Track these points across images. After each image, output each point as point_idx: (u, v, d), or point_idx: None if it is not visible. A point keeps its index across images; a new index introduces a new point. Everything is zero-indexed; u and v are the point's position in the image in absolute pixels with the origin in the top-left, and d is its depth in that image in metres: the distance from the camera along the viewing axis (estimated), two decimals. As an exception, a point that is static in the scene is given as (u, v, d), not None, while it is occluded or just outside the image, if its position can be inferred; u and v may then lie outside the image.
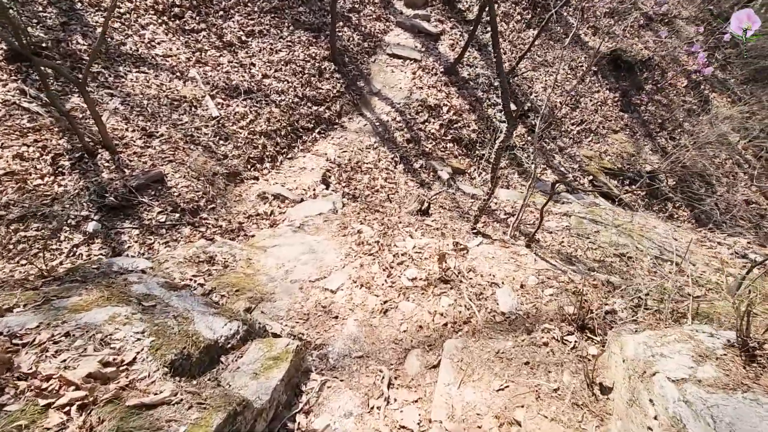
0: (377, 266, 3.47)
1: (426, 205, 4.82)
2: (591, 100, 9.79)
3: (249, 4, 8.23)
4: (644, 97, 10.40)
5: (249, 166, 6.42)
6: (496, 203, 6.77)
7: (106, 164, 5.23)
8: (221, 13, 7.93)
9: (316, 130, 7.48)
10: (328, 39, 8.16)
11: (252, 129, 6.76)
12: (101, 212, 4.77)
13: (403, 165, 7.35)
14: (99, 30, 6.80)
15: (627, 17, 11.33)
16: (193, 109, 6.56)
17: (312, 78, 7.86)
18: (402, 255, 3.63)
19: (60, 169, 4.98)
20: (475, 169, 7.96)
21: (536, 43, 10.08)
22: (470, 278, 3.19)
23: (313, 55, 8.12)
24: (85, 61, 6.38)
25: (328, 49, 8.23)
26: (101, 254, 4.36)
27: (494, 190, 4.25)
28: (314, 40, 8.33)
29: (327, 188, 6.41)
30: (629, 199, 8.40)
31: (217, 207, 5.47)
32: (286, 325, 2.94)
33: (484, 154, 8.23)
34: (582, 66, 10.12)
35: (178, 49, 7.21)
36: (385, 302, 3.05)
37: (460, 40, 9.51)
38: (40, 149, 5.08)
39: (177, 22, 7.50)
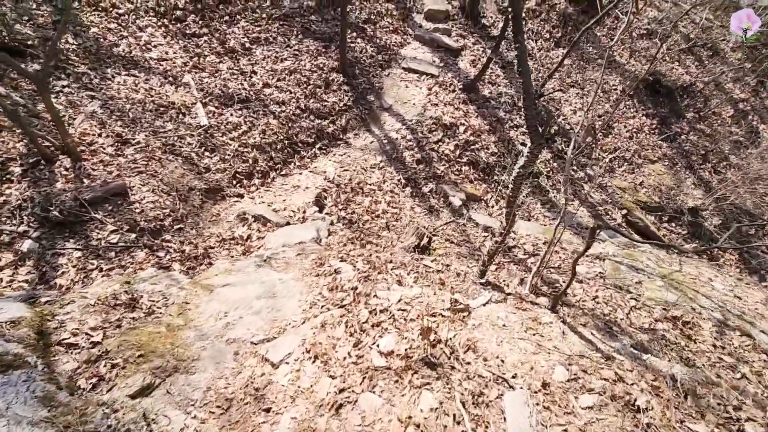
0: (344, 328, 2.46)
1: (426, 239, 3.80)
2: (625, 126, 8.60)
3: (257, 11, 7.53)
4: (685, 125, 9.14)
5: (234, 182, 5.55)
6: (514, 238, 5.65)
7: (65, 172, 4.44)
8: (226, 18, 7.24)
9: (317, 146, 6.60)
10: (338, 49, 7.35)
11: (244, 141, 5.92)
12: (43, 228, 3.95)
13: (410, 188, 6.35)
14: (92, 30, 6.19)
15: (666, 39, 10.16)
16: (180, 116, 5.78)
17: (317, 89, 7.03)
18: (381, 312, 2.61)
19: (7, 176, 4.22)
20: (492, 197, 6.87)
21: (566, 63, 9.03)
22: (467, 363, 2.13)
23: (321, 65, 7.31)
24: (72, 61, 5.74)
25: (337, 60, 7.42)
26: (26, 280, 3.51)
27: (511, 227, 3.19)
28: (324, 50, 7.53)
29: (320, 211, 5.46)
30: (670, 239, 7.12)
31: (185, 227, 4.59)
32: (195, 417, 1.95)
33: (503, 180, 7.15)
34: (616, 89, 8.98)
35: (175, 53, 6.51)
36: (342, 391, 2.02)
37: (482, 57, 8.55)
38: (-9, 152, 4.35)
39: (178, 25, 6.84)
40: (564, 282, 3.94)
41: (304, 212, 5.23)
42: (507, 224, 3.15)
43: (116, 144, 4.97)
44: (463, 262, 4.15)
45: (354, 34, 8.00)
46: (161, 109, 5.71)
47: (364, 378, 2.08)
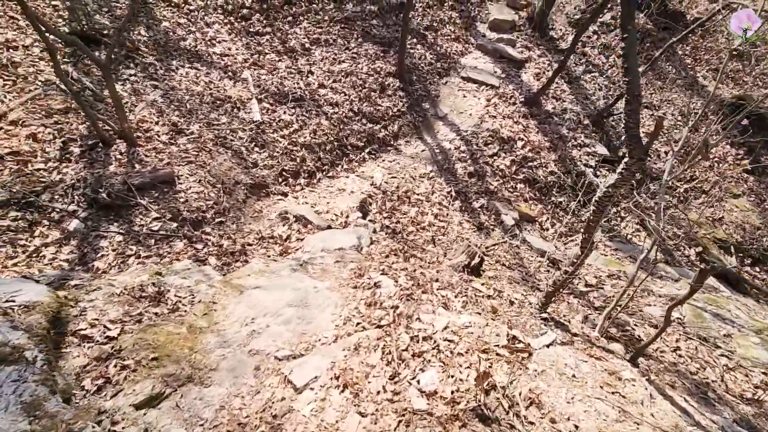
0: (380, 354, 2.10)
1: (477, 259, 3.37)
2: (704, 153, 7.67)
3: (320, 13, 7.47)
4: (778, 158, 8.02)
5: (280, 180, 5.38)
6: (564, 256, 5.04)
7: (119, 156, 4.45)
8: (289, 18, 7.22)
9: (367, 150, 6.34)
10: (397, 54, 7.10)
11: (294, 139, 5.77)
12: (91, 209, 3.93)
13: (460, 202, 5.92)
14: (164, 24, 6.34)
15: (760, 62, 9.07)
16: (235, 110, 5.74)
17: (372, 93, 6.80)
18: (424, 340, 2.23)
19: (67, 156, 4.26)
20: (548, 219, 6.28)
21: (641, 82, 8.25)
22: (530, 423, 1.68)
23: (378, 69, 7.09)
24: (142, 52, 5.88)
25: (395, 65, 7.17)
26: (67, 260, 3.46)
27: (586, 257, 2.71)
28: (382, 55, 7.32)
29: (364, 217, 5.16)
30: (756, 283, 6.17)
31: (226, 221, 4.45)
32: (201, 443, 1.65)
33: (561, 202, 6.53)
34: (697, 113, 8.07)
35: (237, 49, 6.54)
36: (372, 435, 1.67)
37: (547, 70, 7.99)
38: (56, 132, 4.42)
39: (243, 23, 6.89)
40: (635, 324, 3.35)
41: (347, 217, 4.95)
42: (582, 253, 2.67)
43: (171, 132, 4.96)
44: (515, 288, 3.66)
45: (414, 40, 7.74)
46: (217, 102, 5.69)
47: (400, 422, 1.70)
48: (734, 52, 8.98)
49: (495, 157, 6.49)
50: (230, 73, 6.16)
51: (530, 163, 6.59)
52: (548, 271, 4.35)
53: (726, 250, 6.79)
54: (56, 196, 3.91)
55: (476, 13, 8.68)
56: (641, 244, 6.40)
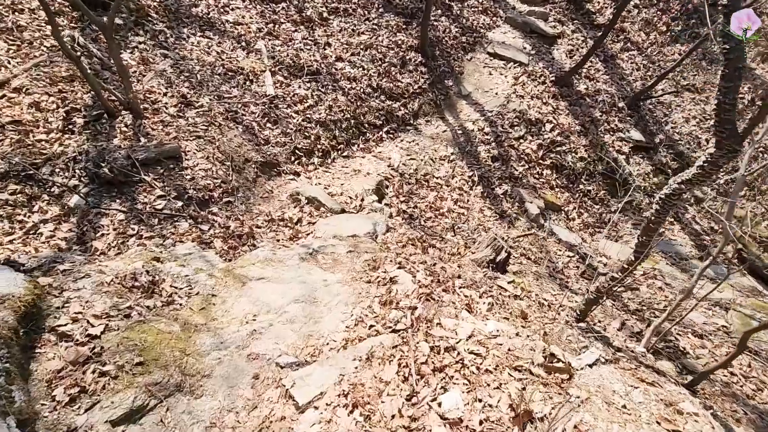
0: (396, 367, 1.81)
1: (504, 255, 3.01)
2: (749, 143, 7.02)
3: (340, -20, 6.94)
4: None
5: (293, 158, 5.05)
6: (605, 264, 4.66)
7: (124, 129, 4.16)
8: (307, -15, 6.73)
9: (384, 129, 5.94)
10: (420, 27, 6.58)
11: (308, 116, 5.41)
12: (93, 184, 3.69)
13: (481, 187, 5.51)
14: (175, -12, 5.93)
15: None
16: (247, 83, 5.37)
17: (392, 68, 6.34)
18: (446, 351, 1.92)
19: (70, 127, 3.99)
20: (575, 208, 5.84)
21: (684, 62, 7.55)
22: (579, 470, 1.39)
23: (399, 42, 6.59)
24: (152, 18, 5.52)
25: (417, 38, 6.66)
26: (65, 238, 3.24)
27: (641, 261, 2.33)
28: (404, 27, 6.80)
29: (379, 201, 4.83)
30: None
31: (235, 201, 4.16)
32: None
33: (590, 191, 6.07)
34: (743, 98, 7.37)
35: (251, 18, 6.12)
36: (385, 472, 1.38)
37: (581, 47, 7.35)
38: (59, 101, 4.15)
39: (258, -10, 6.44)
40: (678, 334, 2.98)
41: (362, 200, 4.62)
42: (636, 258, 2.29)
43: (179, 105, 4.65)
44: (543, 286, 3.31)
45: (439, 11, 7.17)
46: (229, 73, 5.33)
47: (419, 458, 1.42)
48: (789, 32, 8.13)
49: (521, 141, 6.03)
50: (243, 43, 5.77)
51: (558, 148, 6.10)
52: (578, 267, 3.98)
53: (765, 248, 6.26)
54: (57, 170, 3.66)
55: (507, -17, 8.00)
56: (674, 239, 5.93)
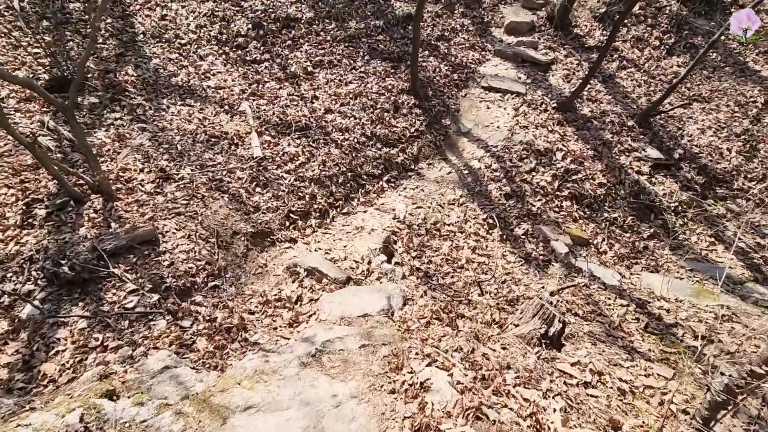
0: None
1: (559, 325, 2.32)
2: (775, 147, 6.45)
3: (321, 34, 6.70)
4: None
5: (287, 224, 4.47)
6: (650, 294, 3.92)
7: (93, 215, 3.61)
8: (289, 42, 6.47)
9: (385, 178, 5.40)
10: (409, 69, 6.24)
11: (301, 174, 4.89)
12: (52, 287, 3.08)
13: (499, 230, 4.88)
14: (154, 61, 5.66)
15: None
16: (232, 147, 4.91)
17: (385, 114, 5.91)
18: None
19: (30, 221, 3.45)
20: (603, 240, 5.16)
21: (683, 74, 7.15)
22: None
23: (390, 87, 6.22)
24: (129, 93, 5.17)
25: (407, 81, 6.30)
26: (8, 364, 2.57)
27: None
28: (392, 71, 6.47)
29: (389, 261, 4.18)
30: None
31: (223, 284, 3.52)
32: None
33: (616, 218, 5.42)
34: (756, 101, 6.88)
35: (233, 80, 5.79)
36: None
37: (577, 70, 6.99)
38: (20, 192, 3.64)
39: (239, 52, 6.16)
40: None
41: (369, 263, 3.98)
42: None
43: (157, 180, 4.13)
44: (607, 355, 2.58)
45: (426, 52, 6.88)
46: (212, 140, 4.88)
47: None
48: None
49: (533, 173, 5.46)
50: (227, 107, 5.38)
51: (574, 176, 5.52)
52: (637, 319, 3.25)
53: (824, 260, 5.48)
54: (9, 275, 3.06)
55: (490, 18, 7.81)
56: (721, 260, 5.20)
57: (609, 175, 5.65)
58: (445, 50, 7.06)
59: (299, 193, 4.70)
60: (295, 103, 5.72)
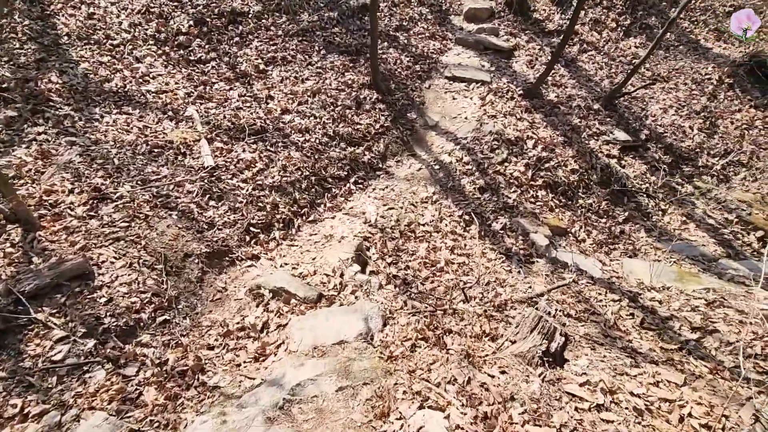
0: None
1: (561, 339, 2.06)
2: (732, 122, 6.56)
3: (272, 28, 6.20)
4: (806, 114, 6.97)
5: (248, 239, 4.01)
6: (639, 285, 3.79)
7: (9, 250, 3.04)
8: (237, 39, 5.93)
9: (352, 179, 5.03)
10: (369, 62, 5.87)
11: (260, 182, 4.43)
12: (-43, 344, 2.54)
13: (476, 225, 4.62)
14: (82, 66, 4.98)
15: (761, 13, 8.09)
16: (179, 157, 4.38)
17: (347, 111, 5.52)
18: None
19: (-73, 265, 2.85)
20: (581, 227, 5.02)
21: (641, 54, 7.16)
22: None
23: (350, 82, 5.82)
24: (54, 103, 4.51)
25: (368, 75, 5.93)
26: None
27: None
28: (351, 65, 6.07)
29: (363, 270, 3.82)
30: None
31: (175, 317, 3.05)
32: None
33: (591, 204, 5.30)
34: (711, 78, 6.99)
35: (177, 83, 5.21)
36: None
37: (539, 56, 6.84)
38: None
39: (181, 52, 5.57)
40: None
41: (342, 275, 3.61)
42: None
43: (91, 201, 3.57)
44: (611, 361, 2.35)
45: (385, 43, 6.52)
46: (156, 150, 4.33)
47: None
48: (729, 8, 7.99)
49: (506, 164, 5.24)
50: (170, 113, 4.82)
51: (547, 164, 5.35)
52: (632, 315, 3.06)
53: (787, 229, 5.59)
54: None
55: (448, 5, 7.53)
56: (693, 239, 5.19)
57: (581, 161, 5.52)
58: (405, 41, 6.73)
59: (259, 204, 4.25)
60: (248, 104, 5.22)
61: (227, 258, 3.74)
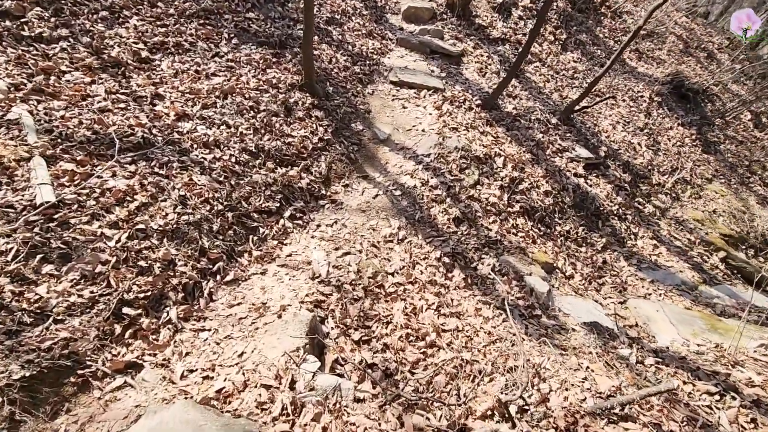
0: None
1: None
2: (669, 139, 6.58)
3: (160, 4, 4.48)
4: (719, 133, 7.39)
5: (117, 331, 2.33)
6: (644, 329, 3.04)
7: None
8: (104, 14, 4.10)
9: (286, 213, 3.58)
10: (300, 58, 4.50)
11: (140, 225, 2.75)
12: None
13: (459, 269, 3.53)
14: None
15: (665, 40, 8.60)
16: (-15, 190, 2.51)
17: (273, 118, 4.07)
18: None
19: None
20: (564, 260, 4.26)
21: (580, 69, 6.94)
22: None
23: (274, 81, 4.38)
24: None
25: (298, 73, 4.55)
26: None
27: None
28: (275, 60, 4.62)
29: (320, 363, 2.43)
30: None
31: None
32: None
33: (569, 231, 4.60)
34: (643, 96, 7.01)
35: (-7, 68, 3.24)
36: None
37: (489, 64, 6.15)
38: None
39: (7, 23, 3.58)
40: None
41: (291, 383, 2.17)
42: None
43: None
44: None
45: (316, 37, 5.20)
46: (-67, 178, 2.42)
47: None
48: (642, 31, 8.32)
49: (478, 187, 4.28)
50: (-25, 115, 2.88)
51: (520, 186, 4.53)
52: (754, 421, 2.17)
53: (735, 246, 5.56)
54: None
55: (384, 2, 6.51)
56: (670, 265, 4.77)
57: (552, 181, 4.82)
58: (339, 36, 5.49)
59: (139, 264, 2.59)
60: (121, 105, 3.47)
61: (73, 378, 2.04)
